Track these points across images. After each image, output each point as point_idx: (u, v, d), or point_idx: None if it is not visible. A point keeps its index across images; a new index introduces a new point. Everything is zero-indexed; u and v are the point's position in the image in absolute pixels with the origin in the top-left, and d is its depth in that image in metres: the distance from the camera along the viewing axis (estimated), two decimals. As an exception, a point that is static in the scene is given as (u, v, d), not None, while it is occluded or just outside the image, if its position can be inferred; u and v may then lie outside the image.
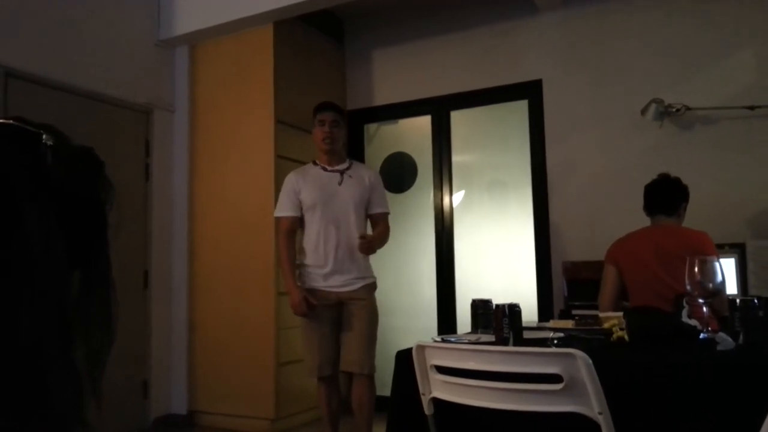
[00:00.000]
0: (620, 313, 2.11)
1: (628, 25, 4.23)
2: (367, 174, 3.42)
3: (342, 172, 3.34)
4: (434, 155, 4.98)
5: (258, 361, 4.26)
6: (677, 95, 3.95)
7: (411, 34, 5.04)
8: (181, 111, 4.79)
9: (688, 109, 3.93)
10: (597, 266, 3.11)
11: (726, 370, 1.56)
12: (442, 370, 1.69)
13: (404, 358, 1.93)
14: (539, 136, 4.51)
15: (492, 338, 2.03)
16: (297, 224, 3.32)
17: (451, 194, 4.91)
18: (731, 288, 3.35)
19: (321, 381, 3.25)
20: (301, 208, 3.30)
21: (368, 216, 3.38)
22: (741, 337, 1.78)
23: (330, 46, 5.12)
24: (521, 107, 4.66)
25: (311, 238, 3.27)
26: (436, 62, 4.91)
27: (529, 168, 4.58)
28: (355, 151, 5.06)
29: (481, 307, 2.34)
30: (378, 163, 5.17)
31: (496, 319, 1.96)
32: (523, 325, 1.98)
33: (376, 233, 3.34)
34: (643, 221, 2.99)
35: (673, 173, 3.00)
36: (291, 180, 3.35)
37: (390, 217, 3.46)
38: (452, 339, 2.15)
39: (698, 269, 1.84)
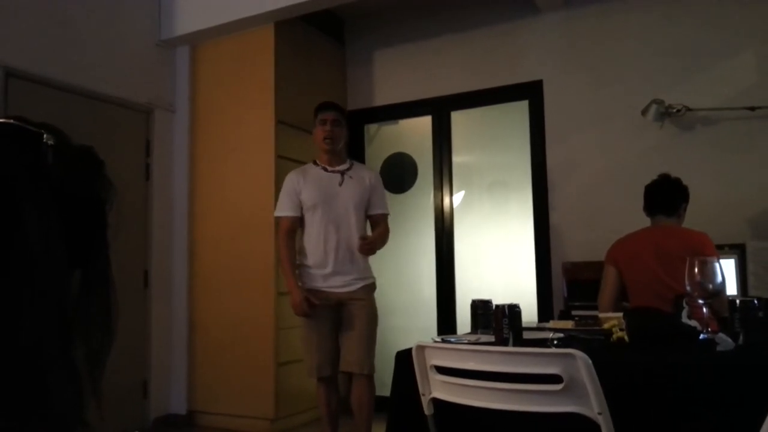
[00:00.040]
0: (620, 314, 2.12)
1: (629, 26, 4.23)
2: (368, 175, 3.42)
3: (343, 173, 3.33)
4: (434, 156, 4.98)
5: (258, 361, 4.26)
6: (678, 96, 3.95)
7: (412, 35, 5.04)
8: (182, 111, 4.79)
9: (689, 109, 3.93)
10: (597, 267, 3.12)
11: (726, 371, 1.56)
12: (442, 370, 1.69)
13: (404, 358, 1.93)
14: (540, 136, 4.51)
15: (492, 338, 2.04)
16: (297, 224, 3.32)
17: (451, 195, 4.91)
18: (731, 289, 3.35)
19: (320, 381, 3.25)
20: (302, 208, 3.30)
21: (368, 217, 3.38)
22: (741, 337, 1.78)
23: (330, 46, 5.12)
24: (522, 108, 4.66)
25: (311, 238, 3.27)
26: (437, 63, 4.91)
27: (530, 168, 4.58)
28: (356, 152, 5.06)
29: (481, 307, 2.34)
30: (378, 164, 5.17)
31: (496, 320, 1.96)
32: (523, 325, 1.98)
33: (376, 234, 3.34)
34: (644, 222, 2.99)
35: (674, 174, 3.00)
36: (292, 179, 3.34)
37: (390, 218, 3.46)
38: (452, 339, 2.15)
39: (698, 270, 1.84)
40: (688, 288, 1.86)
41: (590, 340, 1.92)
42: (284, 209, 3.32)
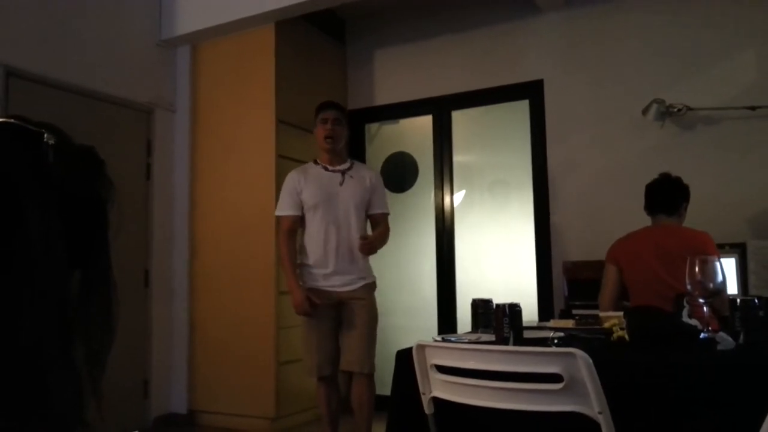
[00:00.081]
0: (620, 313, 2.12)
1: (629, 26, 4.23)
2: (368, 174, 3.42)
3: (343, 173, 3.33)
4: (435, 155, 4.98)
5: (258, 361, 4.26)
6: (678, 95, 3.95)
7: (412, 34, 5.04)
8: (183, 111, 4.79)
9: (689, 109, 3.93)
10: (597, 266, 3.12)
11: (726, 370, 1.56)
12: (443, 369, 1.69)
13: (404, 357, 1.93)
14: (540, 136, 4.51)
15: (492, 338, 2.03)
16: (298, 223, 3.32)
17: (452, 194, 4.91)
18: (732, 288, 3.35)
19: (320, 380, 3.25)
20: (302, 208, 3.30)
21: (368, 216, 3.38)
22: (741, 336, 1.78)
23: (331, 46, 5.12)
24: (522, 107, 4.66)
25: (312, 237, 3.27)
26: (438, 62, 4.91)
27: (530, 168, 4.58)
28: (356, 151, 5.06)
29: (481, 306, 2.34)
30: (379, 163, 5.18)
31: (496, 319, 1.96)
32: (524, 324, 1.98)
33: (377, 234, 3.34)
34: (644, 221, 2.99)
35: (674, 173, 3.00)
36: (292, 179, 3.34)
37: (390, 217, 3.46)
38: (452, 338, 2.15)
39: (699, 269, 1.84)
40: (688, 287, 1.86)
41: (591, 340, 1.92)
42: (285, 208, 3.32)
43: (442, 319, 4.80)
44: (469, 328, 2.40)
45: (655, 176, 3.02)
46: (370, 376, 3.21)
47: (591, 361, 1.44)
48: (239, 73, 4.60)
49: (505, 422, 1.68)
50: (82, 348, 0.66)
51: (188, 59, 4.80)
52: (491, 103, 4.80)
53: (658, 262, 2.74)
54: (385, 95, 5.15)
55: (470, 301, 2.39)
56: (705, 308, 1.86)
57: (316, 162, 3.40)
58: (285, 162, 4.33)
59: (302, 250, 3.31)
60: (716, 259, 1.87)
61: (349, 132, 3.50)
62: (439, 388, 1.71)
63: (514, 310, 1.93)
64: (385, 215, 3.42)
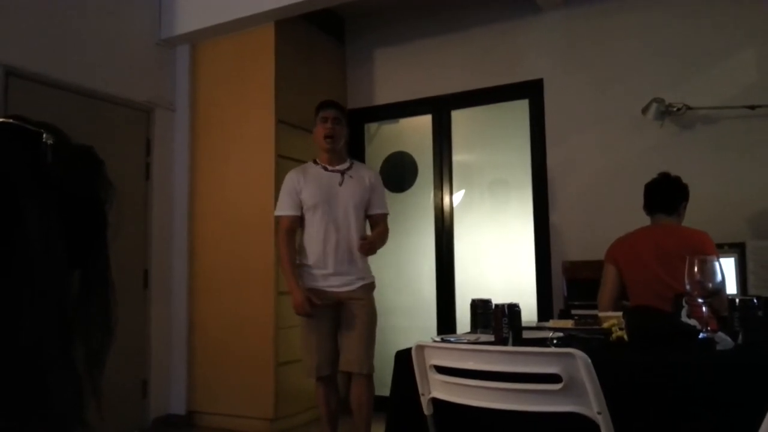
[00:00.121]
0: (619, 313, 2.12)
1: (629, 25, 4.23)
2: (368, 174, 3.42)
3: (343, 173, 3.33)
4: (435, 155, 4.98)
5: (257, 361, 4.26)
6: (678, 95, 3.95)
7: (412, 34, 5.04)
8: (182, 110, 4.79)
9: (689, 108, 3.93)
10: (597, 266, 3.11)
11: (725, 370, 1.56)
12: (442, 370, 1.69)
13: (403, 358, 1.93)
14: (540, 135, 4.51)
15: (491, 338, 2.04)
16: (297, 223, 3.32)
17: (451, 194, 4.91)
18: (731, 288, 3.35)
19: (320, 381, 3.25)
20: (302, 208, 3.30)
21: (368, 216, 3.38)
22: (740, 336, 1.78)
23: (331, 45, 5.12)
24: (522, 107, 4.66)
25: (311, 238, 3.27)
26: (437, 62, 4.91)
27: (530, 168, 4.58)
28: (356, 151, 5.06)
29: (480, 306, 2.34)
30: (378, 163, 5.18)
31: (495, 319, 1.96)
32: (523, 324, 1.98)
33: (376, 234, 3.34)
34: (644, 220, 2.99)
35: (674, 173, 3.00)
36: (292, 178, 3.34)
37: (390, 217, 3.46)
38: (452, 339, 2.15)
39: (698, 269, 1.84)
40: (687, 287, 1.86)
41: (590, 340, 1.92)
42: (285, 208, 3.32)
43: (442, 319, 4.80)
44: (468, 329, 2.40)
45: (655, 176, 3.02)
46: (369, 377, 3.21)
47: (590, 361, 1.44)
48: (239, 72, 4.60)
49: (504, 423, 1.68)
50: (81, 348, 0.66)
51: (188, 58, 4.80)
52: (491, 102, 4.80)
53: (657, 261, 2.74)
54: (384, 95, 5.15)
55: (469, 302, 2.40)
56: (704, 308, 1.86)
57: (315, 162, 3.40)
58: (284, 162, 4.33)
59: (301, 250, 3.31)
60: (715, 258, 1.87)
61: (348, 131, 3.50)
62: (439, 389, 1.71)
63: (513, 310, 1.93)
64: (385, 215, 3.42)
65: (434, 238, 4.92)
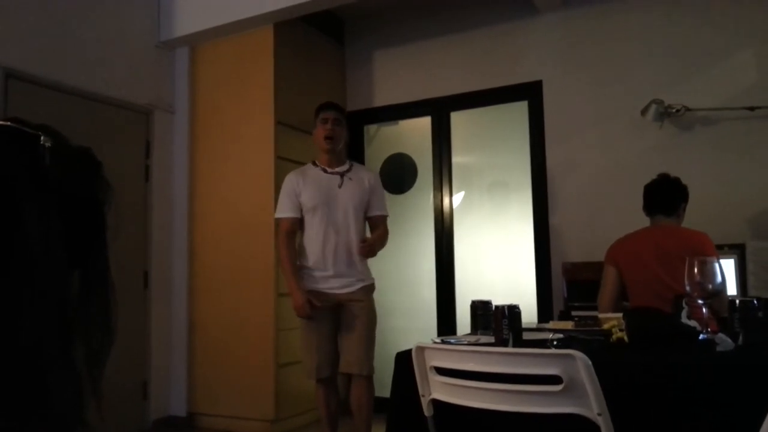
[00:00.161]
0: (620, 314, 2.12)
1: (628, 26, 4.24)
2: (367, 176, 3.42)
3: (342, 175, 3.33)
4: (434, 156, 4.98)
5: (258, 363, 4.26)
6: (677, 96, 3.96)
7: (411, 35, 5.04)
8: (182, 112, 4.79)
9: (688, 109, 3.93)
10: (597, 267, 3.11)
11: (725, 371, 1.56)
12: (442, 371, 1.69)
13: (404, 359, 1.93)
14: (539, 137, 4.51)
15: (491, 339, 2.03)
16: (297, 225, 3.32)
17: (451, 195, 4.91)
18: (731, 289, 3.35)
19: (320, 382, 3.25)
20: (301, 210, 3.30)
21: (367, 218, 3.38)
22: (740, 338, 1.78)
23: (330, 46, 5.12)
24: (521, 108, 4.66)
25: (311, 240, 3.27)
26: (437, 63, 4.91)
27: (529, 169, 4.58)
28: (355, 152, 5.06)
29: (480, 308, 2.34)
30: (378, 164, 5.18)
31: (495, 321, 1.96)
32: (523, 326, 1.97)
33: (376, 236, 3.34)
34: (643, 222, 2.99)
35: (673, 174, 3.00)
36: (291, 180, 3.34)
37: (389, 219, 3.47)
38: (452, 340, 2.15)
39: (698, 270, 1.84)
40: (687, 288, 1.86)
41: (590, 341, 1.93)
42: (284, 210, 3.32)
43: (442, 320, 4.80)
44: (468, 330, 2.39)
45: (654, 177, 3.02)
46: (369, 378, 3.21)
47: (590, 362, 1.44)
48: (238, 74, 4.61)
49: (504, 424, 1.68)
50: (81, 348, 0.66)
51: (187, 61, 4.80)
52: (490, 104, 4.80)
53: (658, 262, 2.74)
54: (384, 96, 5.15)
55: (469, 303, 2.39)
56: (704, 309, 1.85)
57: (314, 163, 3.40)
58: (284, 163, 4.33)
59: (301, 251, 3.31)
60: (715, 260, 1.87)
61: (348, 133, 3.50)
62: (439, 390, 1.71)
63: (514, 311, 1.93)
64: (384, 217, 3.42)
65: (434, 239, 4.92)
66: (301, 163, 3.59)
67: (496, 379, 1.54)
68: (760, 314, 1.81)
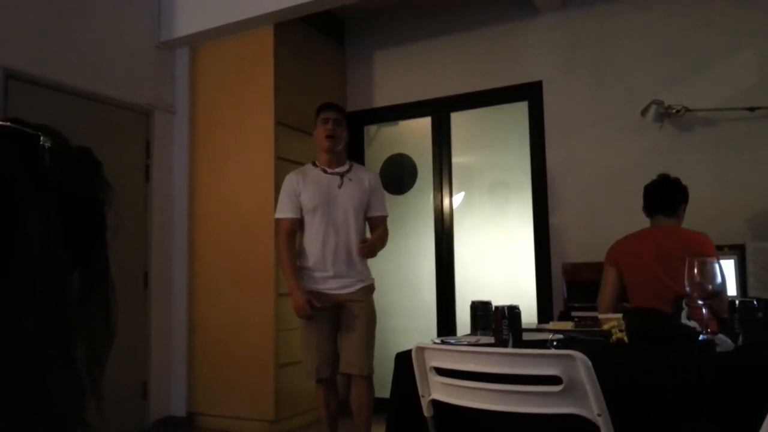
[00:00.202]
0: (620, 315, 2.12)
1: (628, 27, 4.24)
2: (367, 176, 3.42)
3: (342, 175, 3.33)
4: (434, 157, 4.98)
5: (258, 363, 4.26)
6: (677, 96, 3.96)
7: (411, 36, 5.04)
8: (182, 112, 4.79)
9: (688, 110, 3.93)
10: (597, 268, 3.11)
11: (725, 372, 1.56)
12: (442, 371, 1.69)
13: (404, 359, 1.93)
14: (539, 137, 4.51)
15: (491, 340, 2.03)
16: (297, 226, 3.32)
17: (451, 196, 4.91)
18: (731, 289, 3.35)
19: (319, 383, 3.25)
20: (301, 210, 3.30)
21: (367, 219, 3.38)
22: (740, 338, 1.78)
23: (330, 47, 5.12)
24: (521, 109, 4.66)
25: (311, 240, 3.27)
26: (437, 64, 4.92)
27: (529, 169, 4.58)
28: (355, 153, 5.06)
29: (480, 308, 2.34)
30: (378, 165, 5.18)
31: (495, 321, 1.96)
32: (523, 326, 1.97)
33: (376, 236, 3.35)
34: (643, 222, 2.99)
35: (673, 174, 3.00)
36: (291, 181, 3.34)
37: (389, 219, 3.47)
38: (452, 341, 2.15)
39: (698, 270, 1.84)
40: (687, 289, 1.86)
41: (590, 341, 1.93)
42: (285, 211, 3.32)
43: (442, 320, 4.80)
44: (468, 330, 2.39)
45: (654, 177, 3.02)
46: (369, 379, 3.21)
47: (590, 363, 1.44)
48: (238, 74, 4.61)
49: (504, 424, 1.68)
50: (82, 348, 0.66)
51: (187, 61, 4.80)
52: (490, 104, 4.80)
53: (658, 262, 2.74)
54: (384, 97, 5.15)
55: (469, 303, 2.39)
56: (704, 310, 1.85)
57: (314, 164, 3.40)
58: (284, 164, 4.33)
59: (301, 252, 3.31)
60: (715, 260, 1.87)
61: (348, 134, 3.51)
62: (439, 391, 1.71)
63: (513, 312, 1.93)
64: (384, 217, 3.42)
65: (434, 239, 4.92)
66: (301, 164, 3.59)
67: (496, 379, 1.54)
68: (760, 315, 1.81)
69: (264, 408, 4.21)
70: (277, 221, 3.43)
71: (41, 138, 0.67)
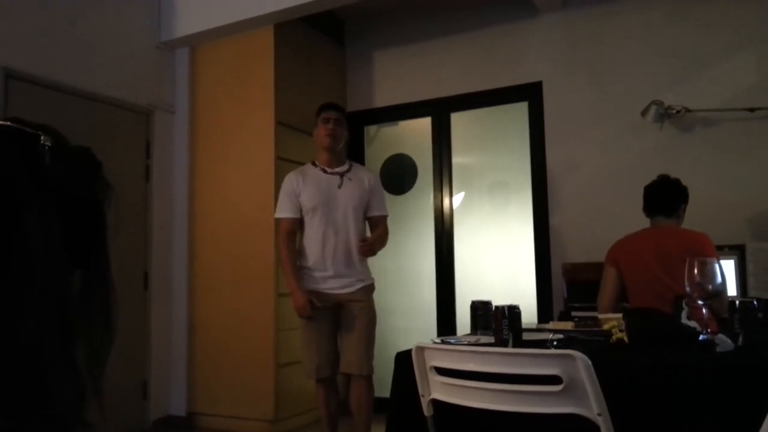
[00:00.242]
0: (620, 315, 2.12)
1: (628, 27, 4.24)
2: (367, 176, 3.42)
3: (342, 175, 3.33)
4: (434, 157, 4.98)
5: (257, 362, 4.26)
6: (677, 97, 3.96)
7: (412, 36, 5.05)
8: (182, 112, 4.79)
9: (688, 110, 3.93)
10: (597, 268, 3.12)
11: (725, 372, 1.56)
12: (442, 371, 1.69)
13: (404, 359, 1.93)
14: (539, 137, 4.51)
15: (491, 340, 2.03)
16: (297, 225, 3.32)
17: (451, 196, 4.91)
18: (731, 289, 3.35)
19: (319, 383, 3.25)
20: (301, 210, 3.30)
21: (367, 218, 3.38)
22: (740, 338, 1.78)
23: (330, 47, 5.12)
24: (521, 109, 4.66)
25: (311, 240, 3.27)
26: (437, 64, 4.92)
27: (529, 170, 4.58)
28: (356, 153, 5.06)
29: (480, 308, 2.34)
30: (378, 165, 5.18)
31: (495, 321, 1.96)
32: (523, 326, 1.97)
33: (376, 235, 3.35)
34: (643, 222, 2.99)
35: (673, 175, 3.01)
36: (291, 180, 3.34)
37: (389, 219, 3.47)
38: (452, 340, 2.15)
39: (698, 271, 1.84)
40: (687, 289, 1.86)
41: (590, 341, 1.93)
42: (284, 211, 3.32)
43: (442, 320, 4.80)
44: (468, 330, 2.40)
45: (654, 178, 3.03)
46: (368, 378, 3.21)
47: (590, 362, 1.44)
48: (238, 75, 4.61)
49: (504, 424, 1.68)
50: (82, 348, 0.66)
51: (187, 61, 4.80)
52: (490, 105, 4.80)
53: (658, 262, 2.74)
54: (384, 97, 5.15)
55: (469, 303, 2.39)
56: (704, 310, 1.86)
57: (314, 163, 3.40)
58: (284, 164, 4.33)
59: (301, 252, 3.31)
60: (715, 260, 1.87)
61: (348, 134, 3.51)
62: (439, 390, 1.71)
63: (513, 311, 1.93)
64: (384, 217, 3.42)
65: (434, 239, 4.92)
66: (301, 163, 3.59)
67: (496, 379, 1.55)
68: (760, 315, 1.81)
69: (264, 408, 4.21)
70: (277, 221, 3.43)
71: (41, 137, 0.67)
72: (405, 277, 5.04)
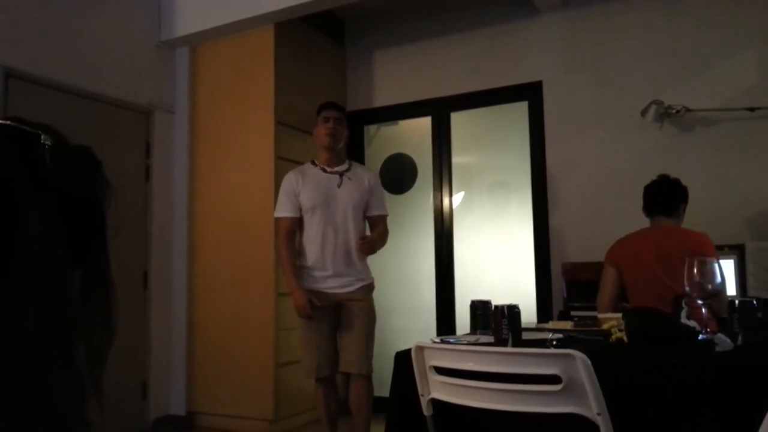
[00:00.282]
0: (619, 315, 2.12)
1: (628, 27, 4.24)
2: (367, 176, 3.42)
3: (341, 174, 3.33)
4: (434, 156, 4.98)
5: (257, 362, 4.26)
6: (677, 96, 3.96)
7: (412, 35, 5.04)
8: (182, 112, 4.79)
9: (688, 110, 3.93)
10: (596, 267, 3.12)
11: (725, 371, 1.56)
12: (441, 371, 1.69)
13: (403, 358, 1.93)
14: (539, 137, 4.51)
15: (491, 339, 2.04)
16: (297, 225, 3.32)
17: (450, 195, 4.91)
18: (731, 289, 3.35)
19: (319, 382, 3.25)
20: (301, 209, 3.30)
21: (367, 218, 3.38)
22: (740, 338, 1.78)
23: (330, 47, 5.12)
24: (521, 109, 4.66)
25: (310, 239, 3.27)
26: (437, 63, 4.91)
27: (529, 169, 4.58)
28: (355, 153, 5.06)
29: (480, 308, 2.34)
30: (378, 165, 5.18)
31: (495, 320, 1.96)
32: (522, 326, 1.98)
33: (375, 234, 3.35)
34: (643, 222, 2.99)
35: (673, 174, 3.01)
36: (290, 180, 3.34)
37: (389, 219, 3.47)
38: (451, 340, 2.15)
39: (697, 270, 1.84)
40: (687, 288, 1.86)
41: (589, 341, 1.93)
42: (284, 210, 3.32)
43: (441, 320, 4.80)
44: (467, 330, 2.40)
45: (654, 177, 3.03)
46: (368, 378, 3.22)
47: (589, 362, 1.44)
48: (238, 74, 4.61)
49: (503, 424, 1.68)
50: (82, 347, 0.66)
51: (187, 61, 4.80)
52: (490, 104, 4.80)
53: (658, 262, 2.74)
54: (384, 97, 5.15)
55: (469, 303, 2.40)
56: (703, 310, 1.86)
57: (314, 163, 3.40)
58: (284, 163, 4.33)
59: (300, 251, 3.31)
60: (715, 260, 1.87)
61: (348, 134, 3.51)
62: (438, 390, 1.71)
63: (513, 311, 1.93)
64: (384, 216, 3.42)
65: (434, 239, 4.92)
66: (301, 163, 3.59)
67: (496, 378, 1.55)
68: (759, 315, 1.82)
69: (263, 407, 4.22)
70: (277, 220, 3.43)
71: (41, 137, 0.67)
72: (405, 277, 5.04)
